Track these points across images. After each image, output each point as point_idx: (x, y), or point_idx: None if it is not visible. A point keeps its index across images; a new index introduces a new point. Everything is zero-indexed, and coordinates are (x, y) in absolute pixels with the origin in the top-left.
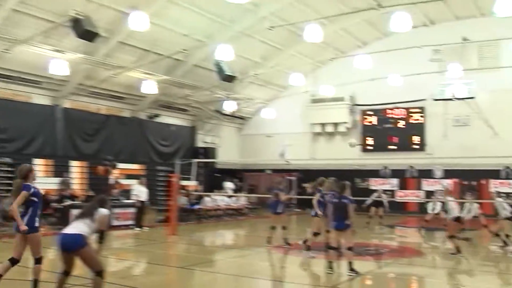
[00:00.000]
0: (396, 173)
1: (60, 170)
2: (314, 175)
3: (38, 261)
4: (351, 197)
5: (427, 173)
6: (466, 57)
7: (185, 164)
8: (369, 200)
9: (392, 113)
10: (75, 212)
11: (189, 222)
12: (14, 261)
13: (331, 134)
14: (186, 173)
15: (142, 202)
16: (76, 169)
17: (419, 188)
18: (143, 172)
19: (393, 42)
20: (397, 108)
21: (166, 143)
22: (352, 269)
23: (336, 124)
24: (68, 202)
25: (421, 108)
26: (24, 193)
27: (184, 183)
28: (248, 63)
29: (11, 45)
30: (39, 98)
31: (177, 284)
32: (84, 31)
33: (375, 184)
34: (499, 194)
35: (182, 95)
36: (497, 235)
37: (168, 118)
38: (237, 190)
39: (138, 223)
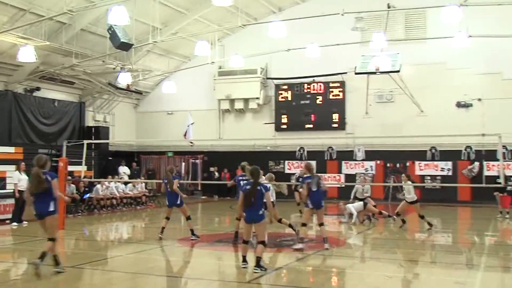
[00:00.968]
0: (314, 155)
1: None
2: (221, 158)
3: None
4: (266, 184)
5: (348, 155)
6: (392, 26)
7: (73, 146)
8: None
9: (309, 88)
10: None
11: (78, 214)
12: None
13: (241, 112)
14: (74, 157)
15: (21, 192)
16: None
17: (339, 171)
18: (21, 156)
19: (311, 9)
20: (315, 82)
21: (48, 121)
22: (259, 265)
23: (246, 100)
24: None
25: (341, 82)
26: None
27: (72, 168)
28: (146, 28)
29: None
30: None
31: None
32: None
33: (291, 167)
34: (409, 177)
35: (68, 65)
36: (397, 214)
37: (51, 92)
38: (133, 175)
39: (17, 217)
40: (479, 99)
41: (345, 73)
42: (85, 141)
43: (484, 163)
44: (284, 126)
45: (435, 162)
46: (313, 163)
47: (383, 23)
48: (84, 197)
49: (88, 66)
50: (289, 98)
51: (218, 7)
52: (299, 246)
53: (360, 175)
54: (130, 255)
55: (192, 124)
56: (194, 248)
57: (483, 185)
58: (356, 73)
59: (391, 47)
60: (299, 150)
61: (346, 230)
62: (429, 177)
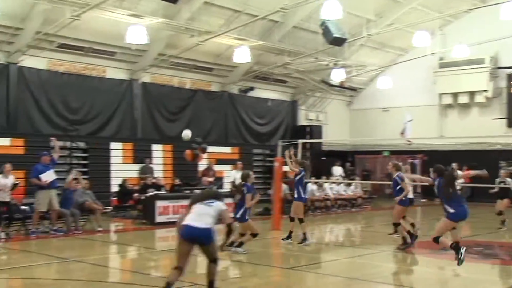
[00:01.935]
0: None
1: (141, 155)
2: (443, 157)
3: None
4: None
5: None
6: None
7: (286, 146)
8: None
9: None
10: (197, 206)
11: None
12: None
13: (465, 106)
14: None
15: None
16: (159, 153)
17: None
18: (237, 156)
19: None
20: None
21: (262, 121)
22: None
23: (472, 94)
24: (152, 192)
25: None
26: None
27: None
28: (359, 21)
29: (80, 10)
30: (114, 72)
31: None
32: None
33: None
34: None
35: (281, 64)
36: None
37: (264, 92)
38: (348, 176)
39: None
40: None
41: None
42: (300, 141)
43: None
44: None
45: None
46: None
47: None
48: None
49: (301, 64)
50: None
51: None
52: None
53: None
54: (346, 260)
55: (410, 121)
56: (417, 255)
57: None
58: None
59: None
60: None
61: None
62: None
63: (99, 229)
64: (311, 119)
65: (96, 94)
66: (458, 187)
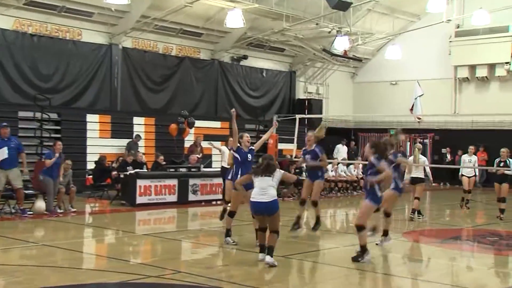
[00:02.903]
0: None
1: (120, 129)
2: (457, 137)
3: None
4: None
5: None
6: None
7: (283, 121)
8: None
9: None
10: (259, 179)
11: (289, 197)
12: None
13: (484, 81)
14: (284, 134)
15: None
16: (141, 127)
17: None
18: (227, 132)
19: None
20: None
21: (256, 93)
22: None
23: (492, 66)
24: (132, 170)
25: None
26: None
27: (281, 146)
28: None
29: None
30: (91, 35)
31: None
32: None
33: None
34: None
35: (278, 30)
36: None
37: (259, 61)
38: (351, 156)
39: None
40: None
41: None
42: (297, 116)
43: None
44: None
45: None
46: None
47: None
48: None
49: (300, 30)
50: None
51: None
52: None
53: None
54: (346, 248)
55: (420, 96)
56: (422, 243)
57: None
58: None
59: None
60: None
61: None
62: None
63: (72, 209)
64: (310, 92)
65: (70, 59)
66: None
